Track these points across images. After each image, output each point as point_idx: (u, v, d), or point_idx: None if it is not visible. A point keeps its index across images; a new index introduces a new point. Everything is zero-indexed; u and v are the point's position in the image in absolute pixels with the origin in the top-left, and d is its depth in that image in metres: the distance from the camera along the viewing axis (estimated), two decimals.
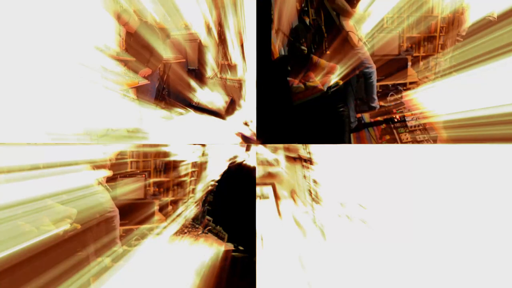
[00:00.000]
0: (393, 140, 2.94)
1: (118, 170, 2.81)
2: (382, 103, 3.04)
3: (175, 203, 2.93)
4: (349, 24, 2.85)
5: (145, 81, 3.01)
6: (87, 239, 2.54)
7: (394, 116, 2.97)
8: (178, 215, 2.88)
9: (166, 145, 2.91)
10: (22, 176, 2.44)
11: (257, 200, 2.72)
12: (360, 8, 2.86)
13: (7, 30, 2.55)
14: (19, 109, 2.59)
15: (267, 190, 2.77)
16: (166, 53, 3.05)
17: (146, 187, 2.94)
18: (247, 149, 2.82)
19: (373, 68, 2.96)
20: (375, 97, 3.03)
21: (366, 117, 3.05)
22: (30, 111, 2.60)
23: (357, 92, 3.05)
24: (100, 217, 2.58)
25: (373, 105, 3.05)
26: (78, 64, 2.71)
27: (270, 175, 2.80)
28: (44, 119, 2.63)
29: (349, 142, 2.92)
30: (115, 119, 2.79)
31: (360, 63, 2.90)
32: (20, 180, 2.43)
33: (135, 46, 2.98)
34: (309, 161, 2.78)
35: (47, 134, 2.63)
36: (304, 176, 2.78)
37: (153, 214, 2.88)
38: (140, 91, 2.99)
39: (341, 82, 2.90)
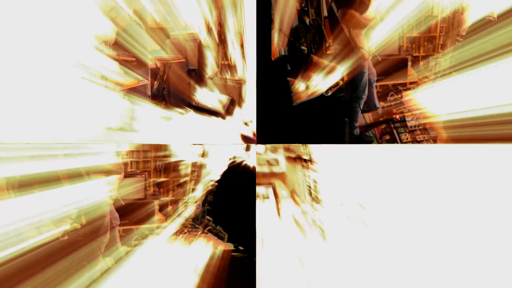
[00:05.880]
0: (393, 140, 2.94)
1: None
2: (382, 103, 3.04)
3: (175, 203, 2.93)
4: (361, 39, 2.76)
5: (145, 81, 3.00)
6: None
7: (394, 117, 2.97)
8: (178, 215, 2.88)
9: (166, 145, 2.91)
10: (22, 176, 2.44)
11: (257, 200, 2.72)
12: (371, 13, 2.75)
13: (6, 30, 2.55)
14: (18, 109, 2.59)
15: (267, 190, 2.77)
16: (166, 53, 3.05)
17: (146, 187, 2.93)
18: (247, 149, 2.82)
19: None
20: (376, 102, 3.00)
21: (367, 117, 3.05)
22: (29, 111, 2.60)
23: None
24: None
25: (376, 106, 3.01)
26: (76, 64, 2.70)
27: (270, 175, 2.79)
28: (44, 119, 2.62)
29: (349, 142, 2.92)
30: (111, 119, 2.78)
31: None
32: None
33: (122, 43, 2.96)
34: (309, 161, 2.78)
35: (47, 133, 2.63)
36: (304, 176, 2.78)
37: (153, 214, 2.88)
38: (134, 91, 2.97)
39: (341, 82, 2.90)
